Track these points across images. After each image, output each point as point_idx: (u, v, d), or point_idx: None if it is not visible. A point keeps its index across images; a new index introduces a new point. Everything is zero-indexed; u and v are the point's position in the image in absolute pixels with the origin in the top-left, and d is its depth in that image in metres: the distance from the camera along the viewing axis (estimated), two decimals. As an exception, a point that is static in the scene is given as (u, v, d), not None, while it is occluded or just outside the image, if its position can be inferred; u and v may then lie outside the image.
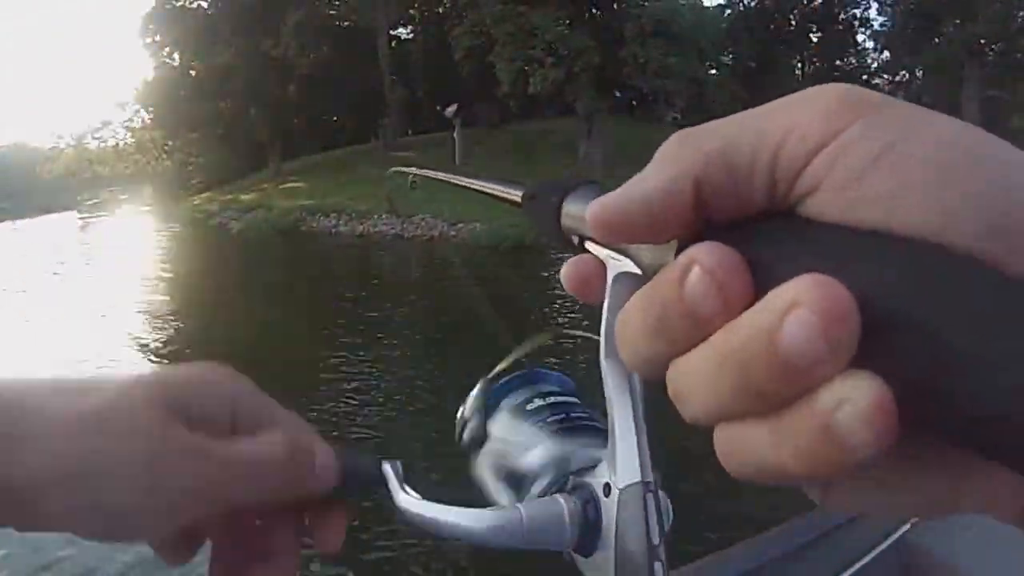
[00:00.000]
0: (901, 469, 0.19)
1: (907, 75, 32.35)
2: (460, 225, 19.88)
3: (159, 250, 22.43)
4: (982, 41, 24.44)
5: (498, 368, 0.54)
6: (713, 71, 27.80)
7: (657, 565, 0.32)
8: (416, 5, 34.88)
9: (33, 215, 38.81)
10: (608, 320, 0.30)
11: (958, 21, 24.49)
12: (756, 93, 32.40)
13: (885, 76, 34.38)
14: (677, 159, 0.22)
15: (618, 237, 0.23)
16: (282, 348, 9.26)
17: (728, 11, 34.59)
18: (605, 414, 0.34)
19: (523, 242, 18.17)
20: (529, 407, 0.46)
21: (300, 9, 27.66)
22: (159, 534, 0.35)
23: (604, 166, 24.39)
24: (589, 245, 0.33)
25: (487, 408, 0.49)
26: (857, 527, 2.03)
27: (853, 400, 0.16)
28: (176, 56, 31.42)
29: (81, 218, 35.54)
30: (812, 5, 33.83)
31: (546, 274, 14.96)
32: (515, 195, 0.44)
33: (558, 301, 11.47)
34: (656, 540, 0.32)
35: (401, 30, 38.14)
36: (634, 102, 33.82)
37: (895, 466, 0.19)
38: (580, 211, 0.33)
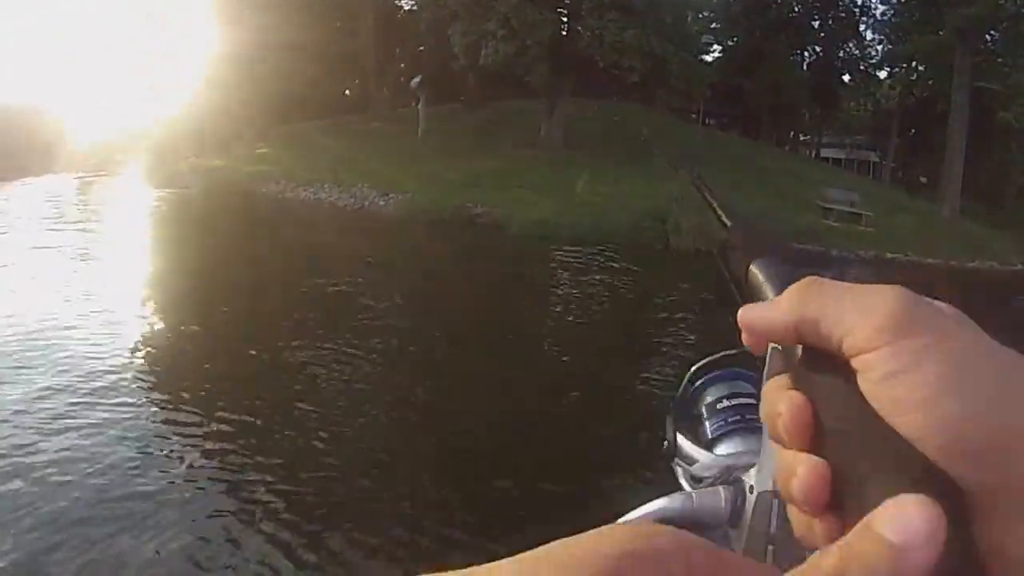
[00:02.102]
0: None
1: (905, 67, 30.67)
2: (390, 196, 19.40)
3: (118, 208, 22.41)
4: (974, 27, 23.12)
5: (703, 362, 0.74)
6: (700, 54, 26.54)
7: (770, 547, 0.42)
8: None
9: (37, 174, 39.20)
10: (765, 378, 0.36)
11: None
12: (749, 78, 31.29)
13: (888, 67, 32.76)
14: (792, 309, 0.31)
15: (751, 339, 0.34)
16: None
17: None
18: None
19: (442, 215, 17.73)
20: (719, 406, 0.59)
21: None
22: None
23: (565, 145, 23.71)
24: None
25: (694, 392, 0.67)
26: None
27: None
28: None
29: (78, 178, 35.66)
30: (815, -9, 32.37)
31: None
32: (726, 223, 0.52)
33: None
34: (774, 531, 0.42)
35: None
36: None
37: None
38: (759, 282, 0.40)
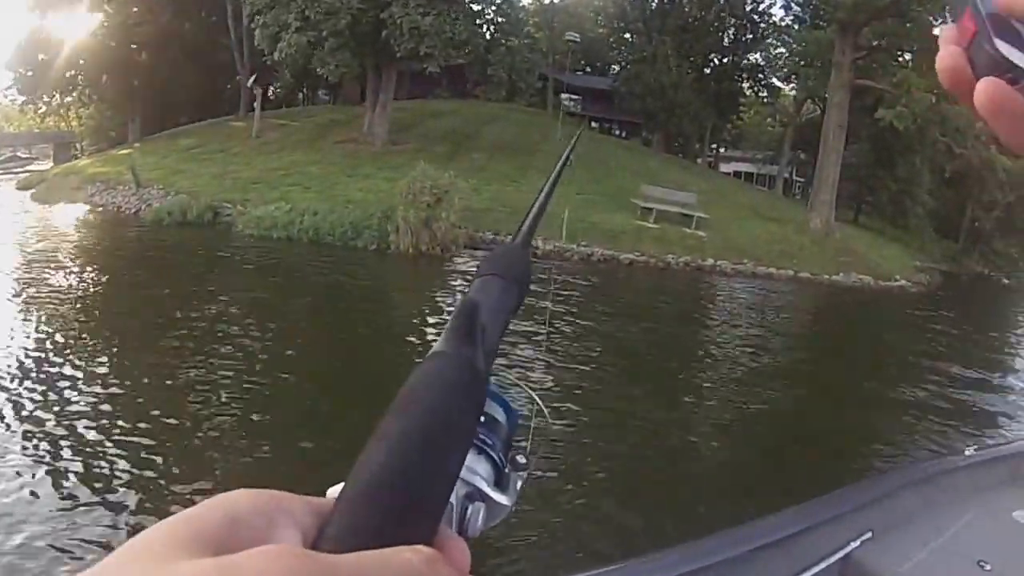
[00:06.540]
0: None
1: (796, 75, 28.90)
2: (168, 199, 18.24)
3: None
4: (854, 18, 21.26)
5: None
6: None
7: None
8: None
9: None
10: None
11: None
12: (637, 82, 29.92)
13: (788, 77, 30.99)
14: None
15: None
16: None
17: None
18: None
19: (187, 216, 16.60)
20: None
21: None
22: None
23: (389, 141, 22.48)
24: None
25: None
26: (808, 538, 2.22)
27: None
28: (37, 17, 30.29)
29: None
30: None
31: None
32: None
33: None
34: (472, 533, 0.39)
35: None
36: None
37: None
38: None
